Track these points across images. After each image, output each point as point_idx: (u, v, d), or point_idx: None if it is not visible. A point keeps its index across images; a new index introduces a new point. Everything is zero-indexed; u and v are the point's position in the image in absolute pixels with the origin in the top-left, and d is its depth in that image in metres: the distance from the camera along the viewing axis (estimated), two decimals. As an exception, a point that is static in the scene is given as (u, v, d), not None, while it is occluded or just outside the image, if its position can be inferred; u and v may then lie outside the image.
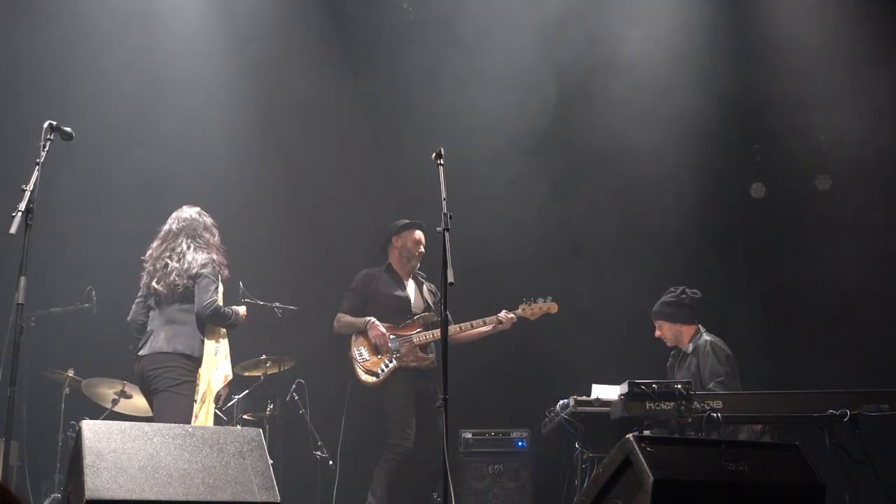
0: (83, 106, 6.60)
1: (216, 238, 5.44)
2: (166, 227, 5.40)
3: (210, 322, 5.22)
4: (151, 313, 5.28)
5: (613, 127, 7.26)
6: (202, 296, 5.16)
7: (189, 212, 5.45)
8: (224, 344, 5.36)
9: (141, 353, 5.17)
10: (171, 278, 5.18)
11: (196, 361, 5.15)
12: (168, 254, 5.27)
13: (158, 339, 5.14)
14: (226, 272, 5.38)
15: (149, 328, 5.24)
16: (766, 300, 7.43)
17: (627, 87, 7.23)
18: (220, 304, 5.27)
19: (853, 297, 6.79)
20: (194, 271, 5.19)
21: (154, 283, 5.23)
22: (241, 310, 5.49)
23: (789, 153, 7.43)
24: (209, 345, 5.22)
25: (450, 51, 7.33)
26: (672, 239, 7.35)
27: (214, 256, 5.31)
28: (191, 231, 5.35)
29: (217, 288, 5.25)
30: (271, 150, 7.48)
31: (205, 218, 5.47)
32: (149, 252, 5.38)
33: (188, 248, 5.26)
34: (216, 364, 5.23)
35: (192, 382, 5.10)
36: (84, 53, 6.95)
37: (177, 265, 5.20)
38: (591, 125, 7.35)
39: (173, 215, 5.44)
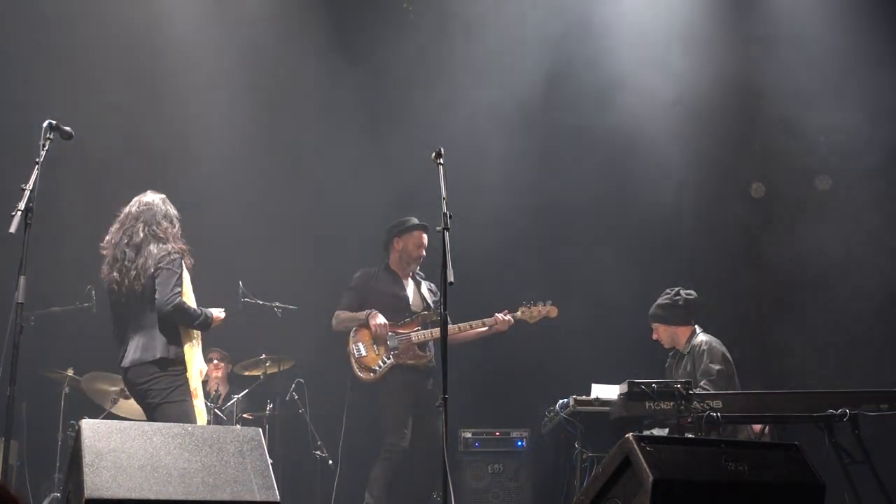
0: (84, 105, 6.59)
1: (176, 229, 5.10)
2: (126, 209, 5.09)
3: (172, 319, 4.89)
4: (122, 316, 4.98)
5: (613, 124, 7.27)
6: (162, 290, 4.85)
7: (152, 197, 5.13)
8: (197, 340, 5.07)
9: (124, 364, 4.94)
10: (132, 275, 4.89)
11: (178, 360, 4.91)
12: (126, 240, 4.96)
13: (136, 349, 4.89)
14: (189, 260, 5.04)
15: (125, 336, 4.97)
16: (765, 300, 7.42)
17: (628, 85, 7.23)
18: (187, 296, 4.96)
19: (853, 297, 6.79)
20: (151, 270, 4.89)
21: (115, 274, 4.93)
22: (216, 312, 5.13)
23: (789, 153, 7.42)
24: (187, 345, 4.96)
25: (449, 42, 7.34)
26: (673, 239, 7.36)
27: (170, 247, 4.96)
28: (149, 217, 5.02)
29: (179, 280, 4.91)
30: (271, 151, 7.48)
31: (168, 206, 5.13)
32: (107, 237, 5.04)
33: (146, 237, 4.95)
34: (193, 361, 5.00)
35: (184, 384, 4.89)
36: (84, 53, 6.95)
37: (137, 261, 4.90)
38: (590, 122, 7.36)
39: (135, 199, 5.12)
